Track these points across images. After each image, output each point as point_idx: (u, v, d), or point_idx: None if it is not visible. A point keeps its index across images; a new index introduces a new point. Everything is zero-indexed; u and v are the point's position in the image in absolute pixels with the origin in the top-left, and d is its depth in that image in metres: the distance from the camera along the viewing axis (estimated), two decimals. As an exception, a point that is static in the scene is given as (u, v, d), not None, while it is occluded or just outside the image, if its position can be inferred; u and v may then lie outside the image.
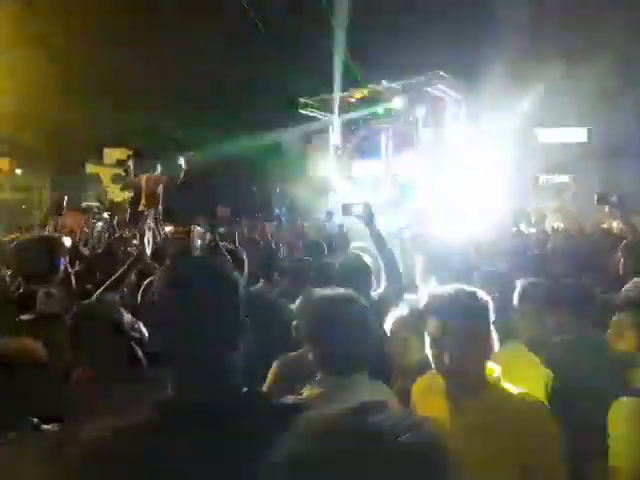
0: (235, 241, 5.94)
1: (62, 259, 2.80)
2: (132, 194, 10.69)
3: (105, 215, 7.20)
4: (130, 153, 13.57)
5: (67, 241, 5.56)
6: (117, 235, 5.85)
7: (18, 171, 37.58)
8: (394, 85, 15.12)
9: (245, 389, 1.17)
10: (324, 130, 18.66)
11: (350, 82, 16.06)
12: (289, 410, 1.17)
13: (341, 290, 1.99)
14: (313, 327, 1.87)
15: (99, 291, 2.24)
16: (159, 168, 9.54)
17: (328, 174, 17.72)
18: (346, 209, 3.11)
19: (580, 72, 13.89)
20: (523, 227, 7.87)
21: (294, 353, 2.41)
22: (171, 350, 1.13)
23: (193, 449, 1.00)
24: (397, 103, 14.78)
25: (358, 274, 2.90)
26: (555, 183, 18.07)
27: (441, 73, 14.24)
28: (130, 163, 10.73)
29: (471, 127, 14.81)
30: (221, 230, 8.56)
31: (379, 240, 3.13)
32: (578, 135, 18.87)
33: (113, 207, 10.14)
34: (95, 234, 6.70)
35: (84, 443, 1.05)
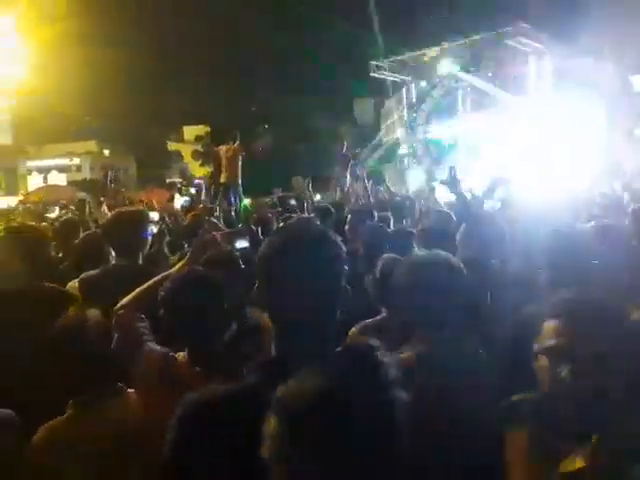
0: (304, 209, 5.98)
1: (149, 231, 2.93)
2: (212, 168, 11.01)
3: (192, 190, 7.49)
4: (208, 130, 13.97)
5: (155, 215, 5.84)
6: (201, 206, 6.05)
7: (106, 152, 40.01)
8: (471, 40, 14.37)
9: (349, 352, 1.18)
10: (397, 92, 18.18)
11: (422, 40, 15.46)
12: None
13: (432, 252, 1.97)
14: (406, 287, 1.87)
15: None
16: (238, 139, 9.64)
17: (402, 138, 17.31)
18: (431, 175, 2.97)
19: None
20: (617, 186, 7.27)
21: (371, 320, 2.40)
22: (276, 313, 1.16)
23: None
24: (474, 59, 14.07)
25: (441, 237, 2.82)
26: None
27: (522, 24, 13.33)
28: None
29: (556, 78, 13.82)
30: (292, 202, 8.64)
31: (465, 205, 2.99)
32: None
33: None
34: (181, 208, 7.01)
35: (190, 404, 1.09)
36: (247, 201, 9.16)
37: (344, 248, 1.21)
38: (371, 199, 6.69)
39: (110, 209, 5.43)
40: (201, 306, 1.85)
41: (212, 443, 1.04)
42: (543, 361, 1.37)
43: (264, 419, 1.02)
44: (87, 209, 6.61)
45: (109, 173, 9.34)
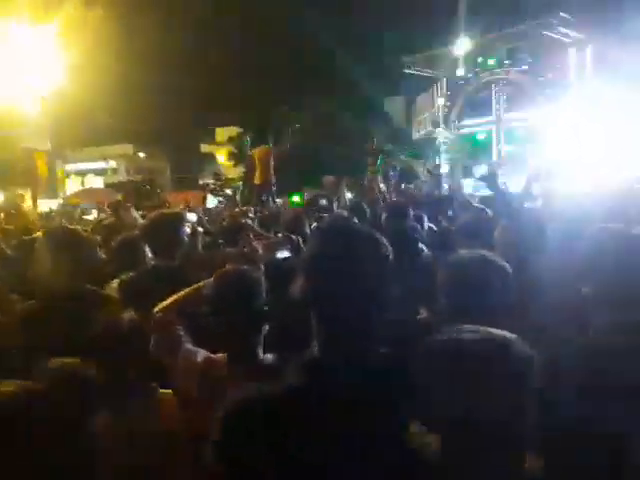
0: (334, 208, 5.95)
1: (185, 233, 2.93)
2: (245, 170, 11.09)
3: (228, 191, 7.54)
4: (240, 131, 14.09)
5: (193, 216, 5.87)
6: (237, 209, 6.09)
7: (141, 155, 40.84)
8: (506, 32, 14.04)
9: (390, 352, 1.16)
10: (429, 88, 17.95)
11: (455, 34, 15.17)
12: None
13: (474, 251, 1.92)
14: (449, 287, 1.83)
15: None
16: (271, 141, 9.66)
17: (435, 134, 17.09)
18: (466, 171, 2.89)
19: None
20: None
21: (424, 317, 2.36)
22: (320, 310, 1.14)
23: (342, 411, 1.01)
24: (510, 52, 13.75)
25: (479, 235, 2.74)
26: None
27: (562, 14, 12.94)
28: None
29: (599, 70, 13.37)
30: (323, 202, 8.62)
31: (505, 203, 2.89)
32: None
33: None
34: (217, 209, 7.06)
35: (233, 406, 1.09)
36: (296, 198, 9.20)
37: (387, 246, 1.18)
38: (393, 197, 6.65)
39: (149, 211, 5.49)
40: (247, 301, 1.85)
41: (255, 445, 1.03)
42: None
43: (306, 421, 1.01)
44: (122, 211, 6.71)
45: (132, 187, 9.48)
